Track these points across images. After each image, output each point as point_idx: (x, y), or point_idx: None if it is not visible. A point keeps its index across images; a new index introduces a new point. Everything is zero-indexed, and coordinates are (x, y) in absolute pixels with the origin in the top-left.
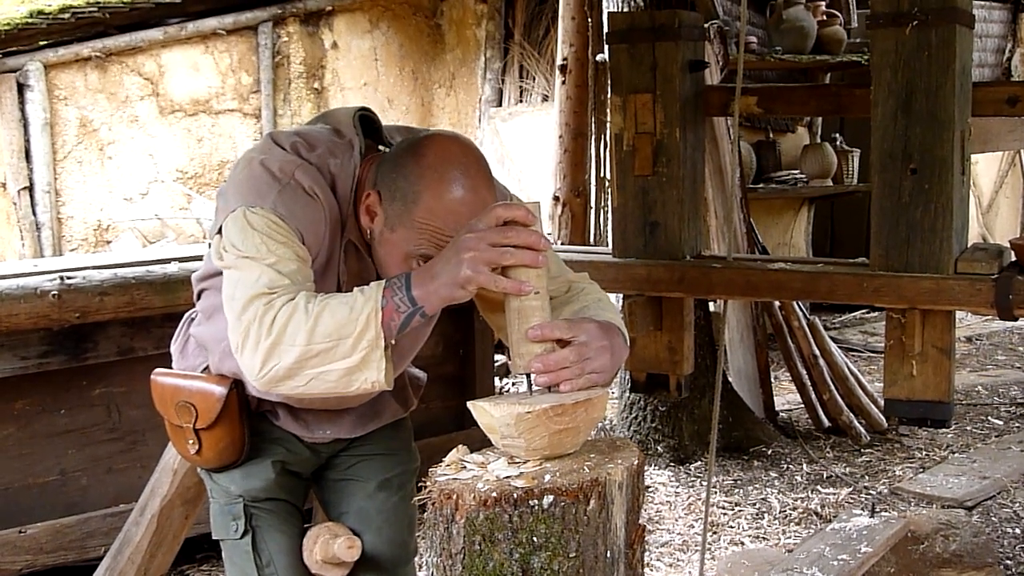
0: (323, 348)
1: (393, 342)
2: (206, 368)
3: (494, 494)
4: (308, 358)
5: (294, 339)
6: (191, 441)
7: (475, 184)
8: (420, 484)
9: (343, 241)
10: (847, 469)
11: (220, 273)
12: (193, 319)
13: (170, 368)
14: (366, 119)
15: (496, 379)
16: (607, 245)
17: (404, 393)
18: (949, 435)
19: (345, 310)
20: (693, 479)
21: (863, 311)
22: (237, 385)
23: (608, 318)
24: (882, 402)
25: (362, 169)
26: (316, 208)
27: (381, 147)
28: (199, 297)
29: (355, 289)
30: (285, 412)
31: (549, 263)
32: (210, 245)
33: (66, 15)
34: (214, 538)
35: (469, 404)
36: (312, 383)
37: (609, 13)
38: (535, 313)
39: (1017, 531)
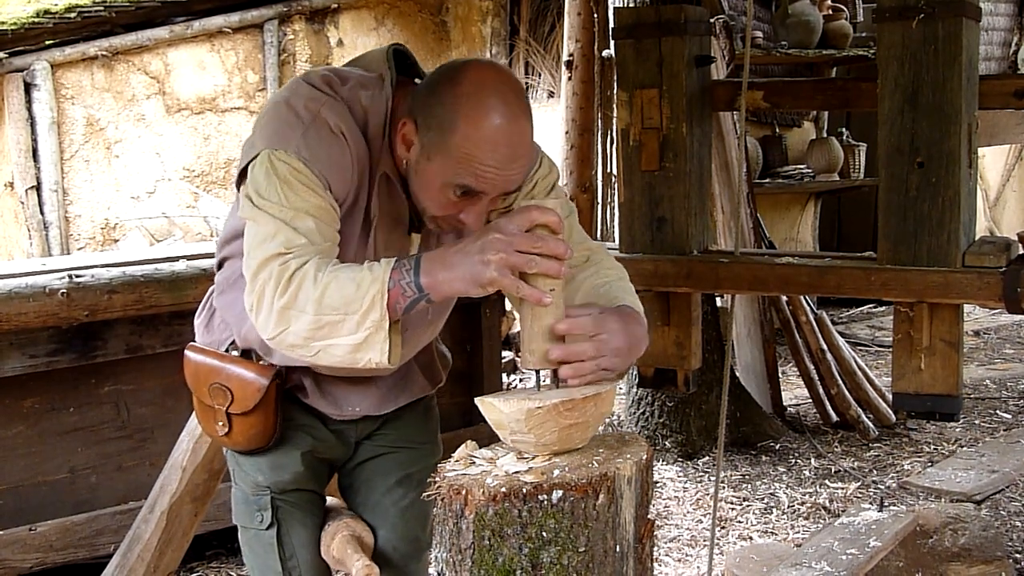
0: (330, 321)
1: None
2: (232, 343)
3: (503, 489)
4: (316, 328)
5: (304, 307)
6: (221, 423)
7: (514, 113)
8: (429, 480)
9: (376, 175)
10: (855, 463)
11: (242, 236)
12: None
13: (195, 342)
14: (400, 54)
15: (504, 375)
16: (614, 240)
17: (432, 368)
18: (957, 429)
19: (352, 286)
20: (701, 474)
21: (871, 305)
22: (277, 376)
23: (631, 302)
24: (890, 396)
25: (395, 101)
26: (341, 148)
27: (417, 81)
28: (220, 266)
29: (365, 264)
30: (314, 388)
31: (572, 231)
32: (238, 195)
33: (72, 14)
34: (235, 523)
35: (477, 400)
36: (320, 355)
37: (615, 8)
38: (549, 312)
39: None
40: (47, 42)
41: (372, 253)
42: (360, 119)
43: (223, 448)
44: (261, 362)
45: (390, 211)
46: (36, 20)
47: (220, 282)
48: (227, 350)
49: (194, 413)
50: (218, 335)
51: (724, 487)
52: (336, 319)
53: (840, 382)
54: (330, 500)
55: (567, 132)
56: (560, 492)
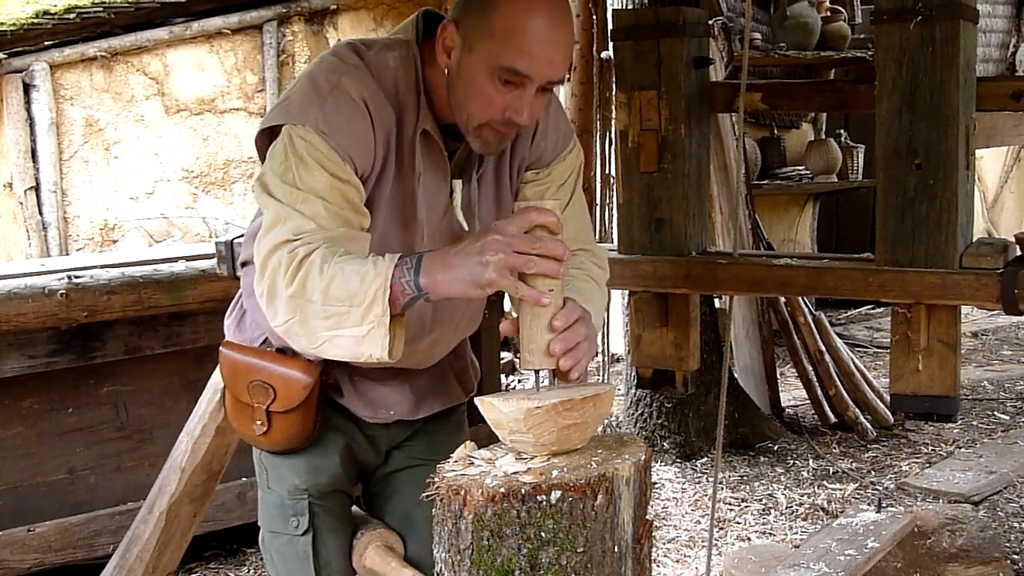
0: (336, 312)
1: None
2: (265, 340)
3: (502, 490)
4: (323, 318)
5: (312, 296)
6: (260, 422)
7: None
8: (428, 480)
9: (416, 132)
10: (853, 465)
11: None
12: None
13: (226, 338)
14: (431, 16)
15: (503, 376)
16: (612, 241)
17: (466, 375)
18: (955, 430)
19: (356, 280)
20: (699, 475)
21: (868, 307)
22: (322, 375)
23: (587, 302)
24: (888, 397)
25: (425, 57)
26: (362, 116)
27: None
28: (245, 265)
29: (370, 258)
30: (350, 388)
31: (577, 228)
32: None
33: (71, 15)
34: (261, 526)
35: (476, 400)
36: (325, 347)
37: (613, 10)
38: (548, 312)
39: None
40: (46, 43)
41: (416, 209)
42: (390, 82)
43: (254, 451)
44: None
45: (431, 167)
46: (35, 21)
47: (248, 284)
48: (261, 346)
49: (197, 410)
50: (250, 333)
51: (722, 488)
52: (342, 311)
53: (838, 383)
54: (354, 509)
55: None
56: (559, 492)
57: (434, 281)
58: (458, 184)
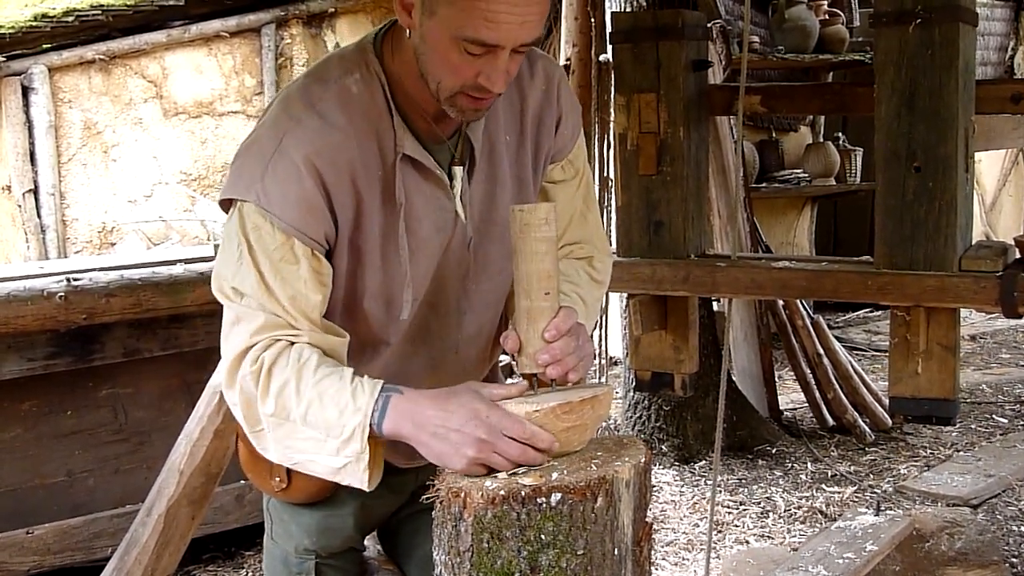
0: (314, 436)
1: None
2: None
3: (502, 492)
4: (301, 439)
5: (291, 415)
6: (279, 479)
7: None
8: (428, 483)
9: (396, 159)
10: (852, 468)
11: None
12: None
13: None
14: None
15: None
16: (611, 244)
17: None
18: (954, 433)
19: (335, 411)
20: (698, 478)
21: (867, 310)
22: None
23: (583, 316)
24: (887, 400)
25: (386, 67)
26: (307, 183)
27: None
28: None
29: (350, 385)
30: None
31: (574, 229)
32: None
33: (70, 18)
34: (265, 573)
35: None
36: (301, 464)
37: (612, 13)
38: (545, 314)
39: (1022, 529)
40: (44, 46)
41: (398, 244)
42: (358, 113)
43: (263, 497)
44: None
45: (421, 191)
46: (34, 24)
47: None
48: None
49: (196, 413)
50: None
51: (721, 491)
52: (320, 437)
53: (836, 386)
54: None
55: None
56: (558, 495)
57: (398, 433)
58: (459, 172)
